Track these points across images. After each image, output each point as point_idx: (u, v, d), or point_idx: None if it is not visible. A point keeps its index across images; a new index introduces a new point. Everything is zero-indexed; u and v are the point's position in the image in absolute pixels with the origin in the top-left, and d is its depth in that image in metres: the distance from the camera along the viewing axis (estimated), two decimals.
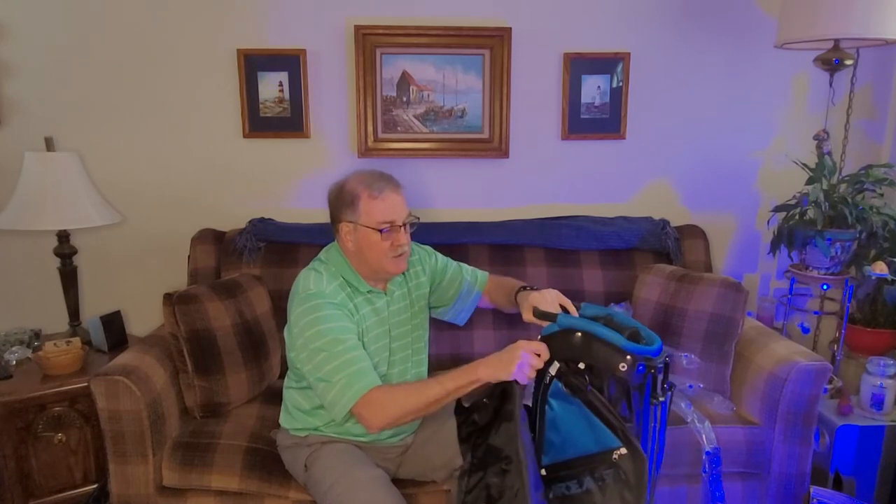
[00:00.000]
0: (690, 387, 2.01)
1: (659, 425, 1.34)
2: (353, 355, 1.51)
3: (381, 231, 1.57)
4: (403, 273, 1.76)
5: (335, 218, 1.65)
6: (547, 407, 1.40)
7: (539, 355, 1.38)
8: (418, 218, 1.69)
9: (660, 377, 1.30)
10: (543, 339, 1.40)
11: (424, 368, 1.83)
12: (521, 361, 1.37)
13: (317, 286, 1.59)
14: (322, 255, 1.71)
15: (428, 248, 1.91)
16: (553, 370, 1.38)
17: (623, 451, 1.30)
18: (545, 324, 1.46)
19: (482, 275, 1.91)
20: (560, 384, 1.38)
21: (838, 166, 2.35)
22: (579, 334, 1.35)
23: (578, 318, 1.40)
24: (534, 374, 1.39)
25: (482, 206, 2.58)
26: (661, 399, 1.31)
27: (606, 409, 1.31)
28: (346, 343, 1.52)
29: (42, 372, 2.09)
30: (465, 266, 1.92)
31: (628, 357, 1.26)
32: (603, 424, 1.31)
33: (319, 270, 1.63)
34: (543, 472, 1.41)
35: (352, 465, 1.59)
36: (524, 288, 1.68)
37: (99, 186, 2.38)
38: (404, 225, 1.63)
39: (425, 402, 1.45)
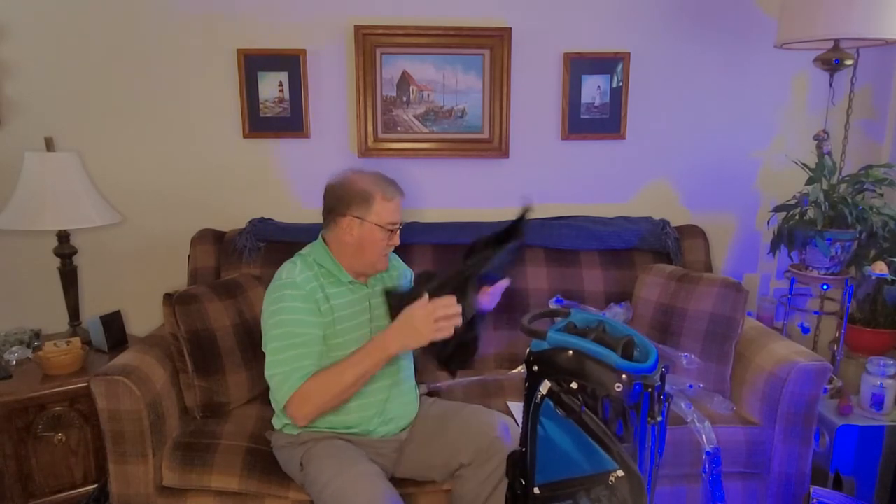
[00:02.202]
0: (690, 386, 2.01)
1: (658, 445, 1.29)
2: (297, 353, 1.57)
3: (389, 231, 1.69)
4: (389, 272, 1.84)
5: (338, 211, 1.69)
6: (539, 426, 1.35)
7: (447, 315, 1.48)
8: (403, 223, 1.78)
9: (656, 394, 1.25)
10: (533, 356, 1.35)
11: (411, 373, 1.84)
12: (435, 326, 1.47)
13: (289, 275, 1.66)
14: (305, 249, 1.78)
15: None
16: (544, 389, 1.32)
17: (620, 473, 1.25)
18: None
19: None
20: (551, 403, 1.32)
21: (838, 166, 2.35)
22: (570, 352, 1.29)
23: (569, 336, 1.33)
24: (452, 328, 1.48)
25: (482, 206, 2.58)
26: (658, 419, 1.27)
27: (601, 430, 1.26)
28: (298, 338, 1.58)
29: (42, 372, 2.08)
30: None
31: (623, 376, 1.21)
32: (598, 446, 1.26)
33: (295, 262, 1.71)
34: (537, 490, 1.38)
35: (346, 461, 1.60)
36: None
37: (99, 186, 2.38)
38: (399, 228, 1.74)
39: (343, 388, 1.55)
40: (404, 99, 2.47)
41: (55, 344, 2.11)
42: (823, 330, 2.59)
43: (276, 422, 1.76)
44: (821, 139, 2.26)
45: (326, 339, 1.66)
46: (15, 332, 2.34)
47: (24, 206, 2.15)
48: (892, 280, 2.22)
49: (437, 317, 1.46)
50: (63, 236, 2.30)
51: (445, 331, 1.48)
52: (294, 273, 1.66)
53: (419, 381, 1.90)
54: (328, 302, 1.67)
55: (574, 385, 1.28)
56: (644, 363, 1.26)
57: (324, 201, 1.73)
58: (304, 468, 1.65)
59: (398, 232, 1.73)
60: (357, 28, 2.38)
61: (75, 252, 2.35)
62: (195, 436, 1.84)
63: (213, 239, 2.36)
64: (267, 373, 1.60)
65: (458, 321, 1.48)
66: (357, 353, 1.56)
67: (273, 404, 1.66)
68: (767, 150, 2.63)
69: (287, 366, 1.57)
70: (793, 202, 2.29)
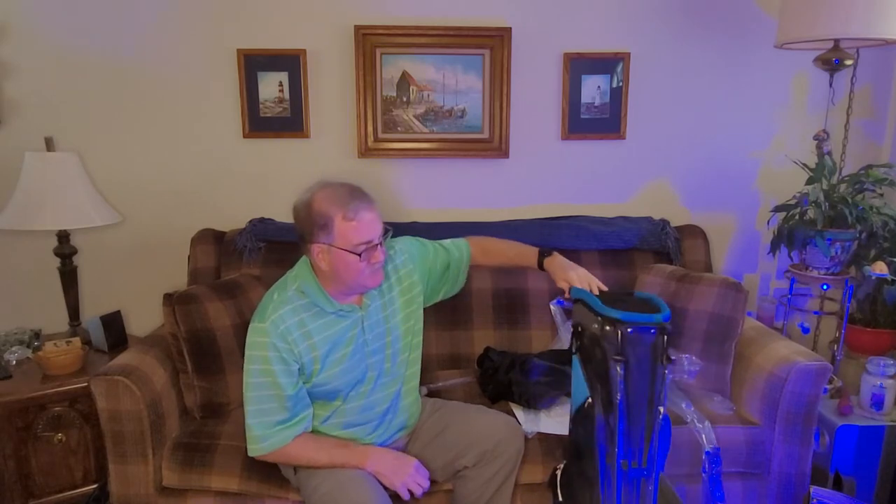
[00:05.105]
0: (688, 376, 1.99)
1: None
2: (270, 406, 1.56)
3: (360, 254, 1.53)
4: (397, 273, 1.75)
5: (306, 238, 1.57)
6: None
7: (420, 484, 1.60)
8: (390, 228, 1.64)
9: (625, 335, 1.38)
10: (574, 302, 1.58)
11: (416, 371, 1.80)
12: (408, 480, 1.58)
13: (264, 315, 1.56)
14: (295, 268, 1.67)
15: (399, 243, 1.81)
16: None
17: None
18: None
19: (465, 249, 1.87)
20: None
21: (838, 166, 2.35)
22: (579, 303, 1.54)
23: (581, 290, 1.58)
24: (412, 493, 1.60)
25: (482, 206, 2.58)
26: (619, 358, 1.37)
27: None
28: (267, 389, 1.55)
29: (42, 372, 2.08)
30: (446, 244, 1.86)
31: (599, 318, 1.41)
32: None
33: (274, 295, 1.60)
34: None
35: None
36: (544, 254, 1.79)
37: (99, 186, 2.38)
38: (381, 242, 1.58)
39: (309, 464, 1.62)
40: (404, 99, 2.47)
41: (55, 344, 2.11)
42: (823, 330, 2.59)
43: None
44: (821, 139, 2.26)
45: (309, 378, 1.60)
46: (15, 332, 2.33)
47: (24, 206, 2.15)
48: (892, 280, 2.22)
49: (416, 480, 1.59)
50: (63, 236, 2.30)
51: (404, 488, 1.58)
52: (268, 311, 1.55)
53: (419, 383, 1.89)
54: (309, 339, 1.57)
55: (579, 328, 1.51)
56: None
57: (294, 227, 1.61)
58: (297, 470, 1.66)
59: (380, 247, 1.56)
60: (357, 28, 2.38)
61: (75, 252, 2.35)
62: (195, 436, 1.84)
63: (213, 239, 2.36)
64: (245, 416, 1.58)
65: (418, 491, 1.61)
66: (340, 447, 1.62)
67: (247, 442, 1.62)
68: (767, 150, 2.63)
69: (262, 417, 1.56)
70: (793, 202, 2.29)
